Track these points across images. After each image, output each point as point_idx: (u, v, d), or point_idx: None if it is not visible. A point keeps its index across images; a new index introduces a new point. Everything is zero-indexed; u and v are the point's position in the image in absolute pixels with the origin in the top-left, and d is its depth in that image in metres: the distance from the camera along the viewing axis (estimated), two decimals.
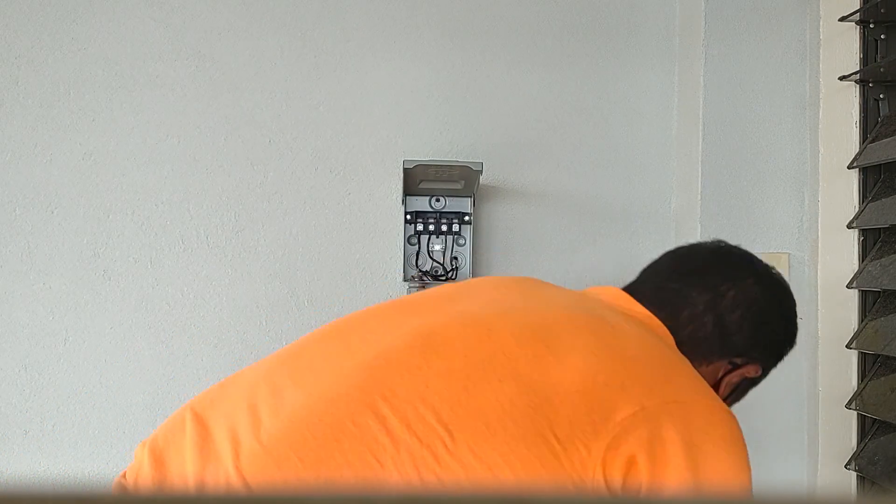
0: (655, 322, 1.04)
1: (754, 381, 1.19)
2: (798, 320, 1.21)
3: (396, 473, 0.83)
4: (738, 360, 1.11)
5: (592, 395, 0.89)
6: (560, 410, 0.87)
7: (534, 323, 0.94)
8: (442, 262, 1.60)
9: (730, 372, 1.11)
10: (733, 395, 1.17)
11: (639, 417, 0.89)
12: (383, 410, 0.85)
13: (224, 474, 0.86)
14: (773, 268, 1.15)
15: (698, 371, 1.03)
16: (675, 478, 0.90)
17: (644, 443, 0.89)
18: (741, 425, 1.50)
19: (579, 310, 1.01)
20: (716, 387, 1.10)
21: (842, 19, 1.42)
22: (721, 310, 1.07)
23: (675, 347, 1.03)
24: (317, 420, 0.86)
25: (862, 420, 1.41)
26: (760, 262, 1.16)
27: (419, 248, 1.60)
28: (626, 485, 0.89)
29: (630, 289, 1.14)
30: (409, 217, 1.59)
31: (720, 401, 0.98)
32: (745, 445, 0.99)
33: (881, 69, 1.39)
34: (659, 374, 0.96)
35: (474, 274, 1.63)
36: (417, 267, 1.59)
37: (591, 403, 0.88)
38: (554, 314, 0.97)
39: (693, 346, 1.05)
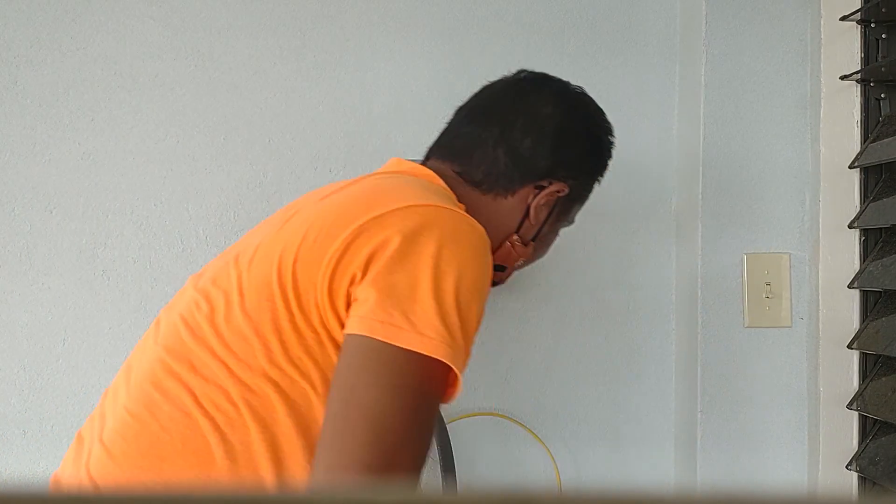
0: (429, 173, 1.05)
1: (573, 200, 1.17)
2: (608, 136, 1.23)
3: (202, 416, 0.92)
4: (544, 183, 1.10)
5: (319, 236, 0.93)
6: (297, 275, 0.93)
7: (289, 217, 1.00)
8: None
9: (536, 196, 1.10)
10: (551, 218, 1.14)
11: (364, 228, 0.91)
12: (175, 368, 0.95)
13: (78, 479, 0.98)
14: (571, 84, 1.18)
15: (503, 204, 1.06)
16: (404, 279, 0.89)
17: (372, 248, 0.90)
18: (741, 425, 1.50)
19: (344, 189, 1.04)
20: (527, 215, 1.09)
21: (843, 19, 1.42)
22: (512, 140, 1.08)
23: (446, 188, 1.04)
24: (133, 403, 0.96)
25: (863, 420, 1.41)
26: (557, 80, 1.18)
27: None
28: (352, 301, 0.90)
29: (429, 151, 1.16)
30: None
31: (466, 215, 0.96)
32: (488, 260, 0.96)
33: (882, 69, 1.38)
34: (392, 195, 0.95)
35: None
36: None
37: (319, 242, 0.93)
38: (318, 205, 1.00)
39: (492, 184, 1.07)
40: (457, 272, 0.90)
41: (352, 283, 0.89)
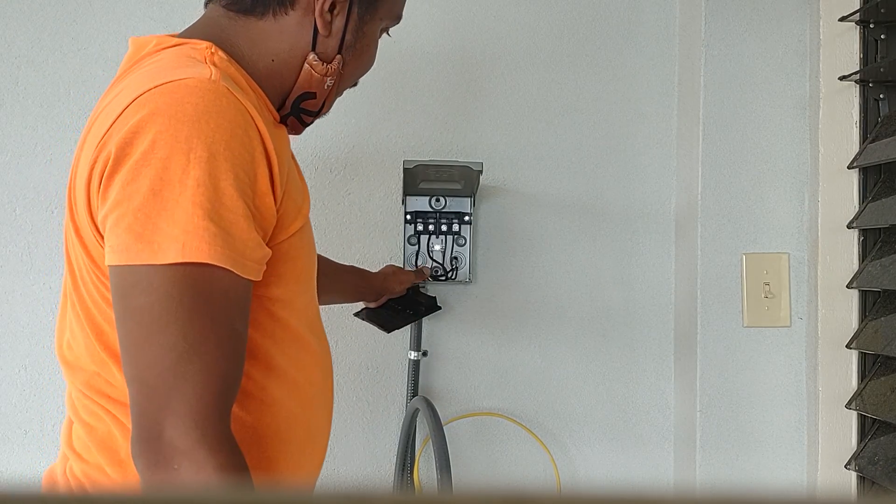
0: (179, 41, 0.92)
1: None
2: None
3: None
4: None
5: (80, 168, 0.87)
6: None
7: None
8: (442, 262, 1.60)
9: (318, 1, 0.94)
10: (352, 20, 0.97)
11: (100, 148, 0.82)
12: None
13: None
14: None
15: (285, 23, 0.92)
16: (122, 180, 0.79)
17: (101, 168, 0.81)
18: (740, 425, 1.50)
19: None
20: (318, 28, 0.94)
21: (842, 19, 1.42)
22: None
23: (197, 43, 0.90)
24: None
25: (862, 420, 1.41)
26: None
27: (419, 248, 1.60)
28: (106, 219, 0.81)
29: None
30: (409, 217, 1.59)
31: (188, 80, 0.81)
32: (220, 117, 0.80)
33: (881, 69, 1.39)
34: (120, 99, 0.83)
35: (474, 274, 1.63)
36: (417, 267, 1.59)
37: (79, 175, 0.87)
38: None
39: (263, 3, 0.93)
40: (181, 155, 0.77)
41: (100, 211, 0.82)
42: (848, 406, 1.39)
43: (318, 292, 1.37)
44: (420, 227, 1.59)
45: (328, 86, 0.98)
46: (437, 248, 1.60)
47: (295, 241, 0.92)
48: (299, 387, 0.96)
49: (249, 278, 0.82)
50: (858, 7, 1.40)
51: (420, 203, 1.59)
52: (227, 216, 0.78)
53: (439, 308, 1.55)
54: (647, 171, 1.66)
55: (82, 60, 1.58)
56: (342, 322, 1.60)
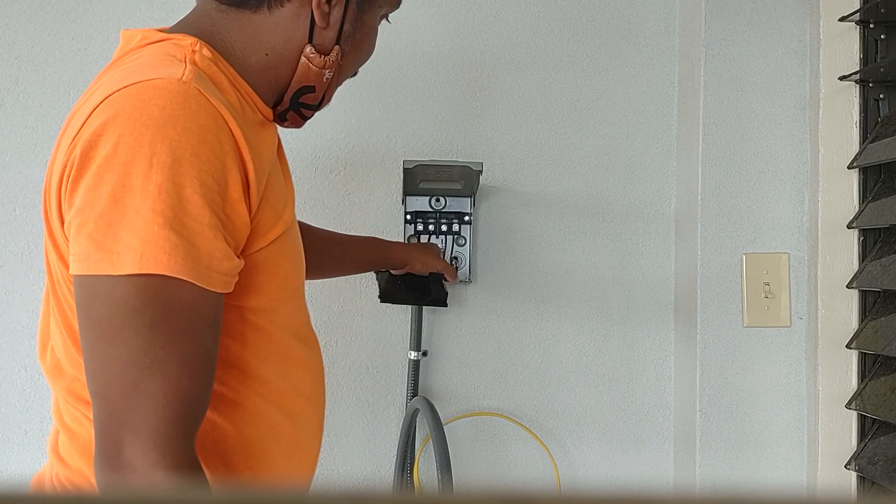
0: (165, 36, 0.89)
1: None
2: None
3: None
4: None
5: (52, 170, 0.84)
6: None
7: None
8: None
9: None
10: (350, 10, 0.93)
11: (69, 152, 0.78)
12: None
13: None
14: None
15: (280, 16, 0.88)
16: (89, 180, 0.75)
17: (67, 173, 0.78)
18: (740, 425, 1.50)
19: None
20: (315, 20, 0.90)
21: (842, 19, 1.42)
22: None
23: (181, 39, 0.86)
24: None
25: (862, 420, 1.41)
26: None
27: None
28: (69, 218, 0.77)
29: None
30: (409, 217, 1.59)
31: (158, 81, 0.77)
32: (186, 121, 0.76)
33: (881, 69, 1.39)
34: (90, 102, 0.80)
35: (474, 274, 1.63)
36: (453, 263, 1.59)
37: (51, 177, 0.83)
38: None
39: (242, 5, 0.89)
40: (144, 160, 0.73)
41: (66, 216, 0.79)
42: (848, 406, 1.39)
43: (326, 266, 1.33)
44: (420, 227, 1.59)
45: (327, 78, 0.95)
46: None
47: (275, 249, 0.88)
48: (284, 396, 0.94)
49: (217, 291, 0.78)
50: (858, 7, 1.40)
51: (420, 203, 1.59)
52: (191, 225, 0.75)
53: (444, 305, 1.53)
54: (647, 171, 1.66)
55: (82, 60, 1.58)
56: (342, 322, 1.61)
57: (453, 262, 1.60)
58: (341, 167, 1.62)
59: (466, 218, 1.59)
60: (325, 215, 1.61)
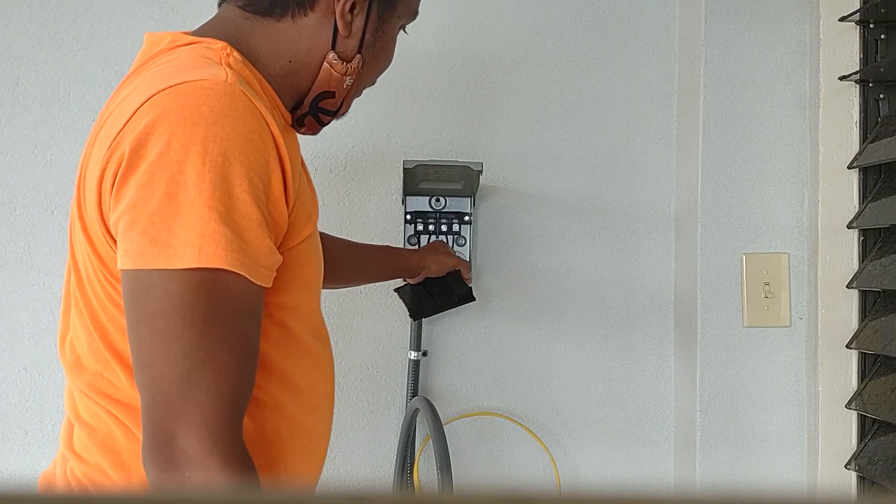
0: (195, 40, 0.90)
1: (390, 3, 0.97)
2: None
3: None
4: None
5: (91, 168, 0.85)
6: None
7: None
8: None
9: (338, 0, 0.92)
10: (372, 19, 0.96)
11: (112, 149, 0.80)
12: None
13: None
14: None
15: (304, 24, 0.91)
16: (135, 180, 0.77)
17: (114, 169, 0.79)
18: (740, 425, 1.50)
19: None
20: (338, 28, 0.93)
21: (842, 19, 1.42)
22: None
23: (211, 42, 0.89)
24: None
25: (862, 420, 1.41)
26: None
27: (419, 248, 1.59)
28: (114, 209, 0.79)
29: None
30: (409, 217, 1.59)
31: (204, 81, 0.79)
32: (237, 120, 0.78)
33: (881, 69, 1.39)
34: (133, 98, 0.81)
35: (474, 274, 1.63)
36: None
37: (91, 174, 0.84)
38: None
39: (282, 5, 0.91)
40: (196, 158, 0.76)
41: (112, 212, 0.81)
42: (848, 406, 1.39)
43: (350, 276, 1.35)
44: (420, 227, 1.59)
45: (347, 85, 0.98)
46: None
47: (304, 248, 0.90)
48: (303, 392, 0.95)
49: (262, 285, 0.81)
50: (858, 7, 1.40)
51: (420, 203, 1.59)
52: (242, 222, 0.77)
53: (473, 300, 1.53)
54: (647, 171, 1.66)
55: (82, 60, 1.58)
56: (342, 322, 1.61)
57: None
58: (341, 167, 1.62)
59: (466, 218, 1.59)
60: (325, 215, 1.60)
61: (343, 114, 1.05)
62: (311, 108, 0.99)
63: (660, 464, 1.64)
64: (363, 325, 1.62)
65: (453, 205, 1.59)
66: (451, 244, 1.60)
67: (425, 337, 1.61)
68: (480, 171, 1.48)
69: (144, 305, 0.76)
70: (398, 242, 1.61)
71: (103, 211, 0.82)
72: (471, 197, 1.59)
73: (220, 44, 0.88)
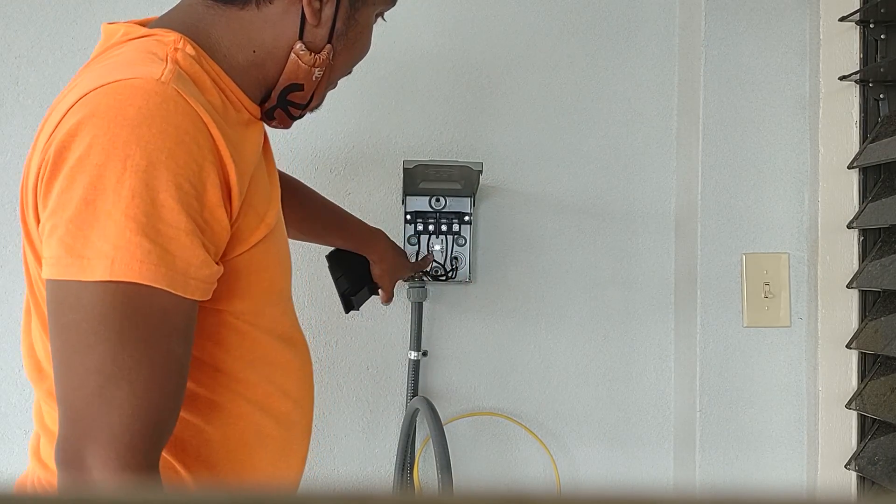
0: (150, 32, 0.86)
1: None
2: None
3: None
4: None
5: (29, 167, 0.82)
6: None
7: None
8: (442, 262, 1.60)
9: None
10: (342, 7, 0.90)
11: (44, 150, 0.76)
12: None
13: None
14: None
15: (269, 12, 0.86)
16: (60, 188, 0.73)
17: (42, 174, 0.76)
18: (740, 425, 1.50)
19: None
20: (306, 17, 0.88)
21: (842, 19, 1.42)
22: None
23: (164, 34, 0.84)
24: None
25: (862, 420, 1.41)
26: None
27: (419, 248, 1.59)
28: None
29: None
30: (409, 217, 1.59)
31: (134, 80, 0.75)
32: (163, 121, 0.73)
33: (881, 69, 1.39)
34: (68, 99, 0.77)
35: (474, 274, 1.63)
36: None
37: (27, 175, 0.82)
38: None
39: (230, 1, 0.86)
40: (117, 163, 0.71)
41: (41, 218, 0.78)
42: (848, 406, 1.39)
43: (320, 237, 1.30)
44: (420, 227, 1.59)
45: (316, 77, 0.92)
46: (437, 248, 1.60)
47: (258, 253, 0.86)
48: (270, 398, 0.93)
49: (193, 298, 0.76)
50: (858, 7, 1.40)
51: (420, 203, 1.59)
52: (166, 231, 0.72)
53: (346, 311, 1.47)
54: (647, 171, 1.66)
55: (82, 60, 1.56)
56: (342, 322, 1.60)
57: (453, 262, 1.60)
58: (341, 167, 1.62)
59: (466, 218, 1.59)
60: None
61: (315, 107, 0.98)
62: (280, 101, 0.93)
63: (660, 464, 1.64)
64: (363, 325, 1.62)
65: (453, 205, 1.59)
66: (451, 244, 1.60)
67: (425, 337, 1.62)
68: (480, 171, 1.48)
69: (60, 316, 0.73)
70: (398, 242, 1.61)
71: (39, 215, 0.79)
72: (471, 197, 1.59)
73: (172, 36, 0.83)
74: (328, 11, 0.89)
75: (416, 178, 1.52)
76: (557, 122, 1.65)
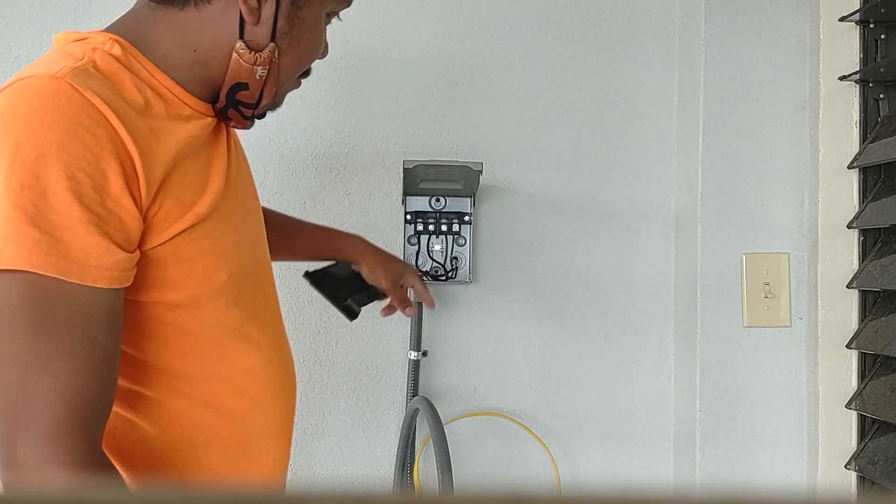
0: (79, 36, 0.89)
1: None
2: None
3: None
4: None
5: None
6: None
7: None
8: (442, 262, 1.60)
9: None
10: (283, 5, 0.90)
11: None
12: None
13: None
14: None
15: (209, 12, 0.87)
16: None
17: None
18: (740, 425, 1.50)
19: None
20: (243, 16, 0.88)
21: (842, 19, 1.42)
22: None
23: (85, 38, 0.87)
24: None
25: (862, 420, 1.41)
26: None
27: (419, 248, 1.60)
28: None
29: None
30: (409, 217, 1.59)
31: (34, 77, 0.77)
32: (55, 116, 0.75)
33: (881, 69, 1.39)
34: None
35: (474, 274, 1.63)
36: (417, 267, 1.59)
37: None
38: None
39: (169, 3, 0.88)
40: (8, 157, 0.73)
41: None
42: (848, 406, 1.40)
43: (282, 253, 1.25)
44: (420, 227, 1.59)
45: (260, 75, 0.91)
46: (437, 248, 1.60)
47: (184, 242, 0.85)
48: (219, 395, 0.91)
49: (101, 286, 0.76)
50: (858, 7, 1.40)
51: (420, 203, 1.59)
52: (58, 221, 0.73)
53: (349, 319, 1.44)
54: (647, 171, 1.66)
55: None
56: (342, 322, 1.60)
57: (453, 262, 1.60)
58: (341, 167, 1.62)
59: (466, 218, 1.59)
60: (325, 215, 1.61)
61: (269, 106, 0.97)
62: (229, 100, 0.93)
63: (660, 464, 1.64)
64: (363, 325, 1.62)
65: (453, 205, 1.59)
66: (451, 244, 1.60)
67: (425, 337, 1.62)
68: (480, 171, 1.48)
69: None
70: (398, 242, 1.61)
71: None
72: (471, 197, 1.59)
73: (102, 38, 0.86)
74: (268, 10, 0.89)
75: (416, 178, 1.52)
76: (557, 122, 1.66)
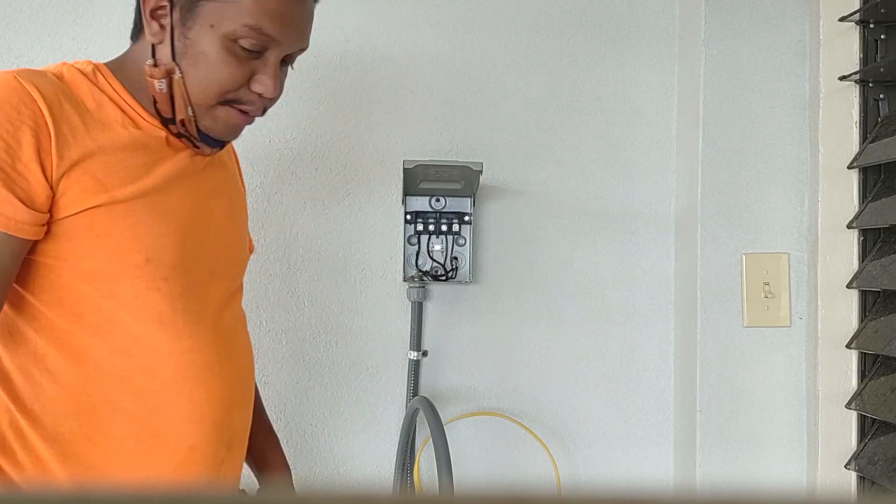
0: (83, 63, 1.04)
1: None
2: None
3: None
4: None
5: None
6: None
7: None
8: (442, 262, 1.60)
9: (144, 15, 1.01)
10: (176, 27, 0.99)
11: None
12: None
13: None
14: None
15: (143, 43, 1.01)
16: None
17: None
18: (740, 425, 1.50)
19: None
20: (147, 36, 1.01)
21: (842, 19, 1.42)
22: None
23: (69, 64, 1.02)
24: None
25: (862, 420, 1.41)
26: None
27: (419, 248, 1.60)
28: None
29: None
30: (409, 217, 1.59)
31: None
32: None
33: (881, 69, 1.39)
34: None
35: (474, 274, 1.63)
36: (417, 267, 1.59)
37: None
38: None
39: (134, 29, 1.04)
40: None
41: None
42: (848, 406, 1.40)
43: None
44: (420, 227, 1.59)
45: (159, 88, 1.00)
46: (437, 248, 1.60)
47: (99, 217, 0.95)
48: (128, 372, 0.97)
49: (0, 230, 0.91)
50: (858, 7, 1.40)
51: (420, 203, 1.59)
52: None
53: None
54: (647, 171, 1.66)
55: None
56: (342, 322, 1.61)
57: (453, 262, 1.60)
58: (341, 167, 1.62)
59: (466, 218, 1.59)
60: (325, 215, 1.61)
61: (207, 127, 1.04)
62: (161, 121, 1.03)
63: (660, 464, 1.64)
64: (363, 325, 1.62)
65: (453, 205, 1.59)
66: (451, 244, 1.60)
67: (425, 337, 1.62)
68: (480, 171, 1.48)
69: None
70: (398, 242, 1.61)
71: None
72: (471, 197, 1.59)
73: (84, 62, 1.03)
74: (167, 31, 1.00)
75: (416, 178, 1.52)
76: (557, 122, 1.66)
